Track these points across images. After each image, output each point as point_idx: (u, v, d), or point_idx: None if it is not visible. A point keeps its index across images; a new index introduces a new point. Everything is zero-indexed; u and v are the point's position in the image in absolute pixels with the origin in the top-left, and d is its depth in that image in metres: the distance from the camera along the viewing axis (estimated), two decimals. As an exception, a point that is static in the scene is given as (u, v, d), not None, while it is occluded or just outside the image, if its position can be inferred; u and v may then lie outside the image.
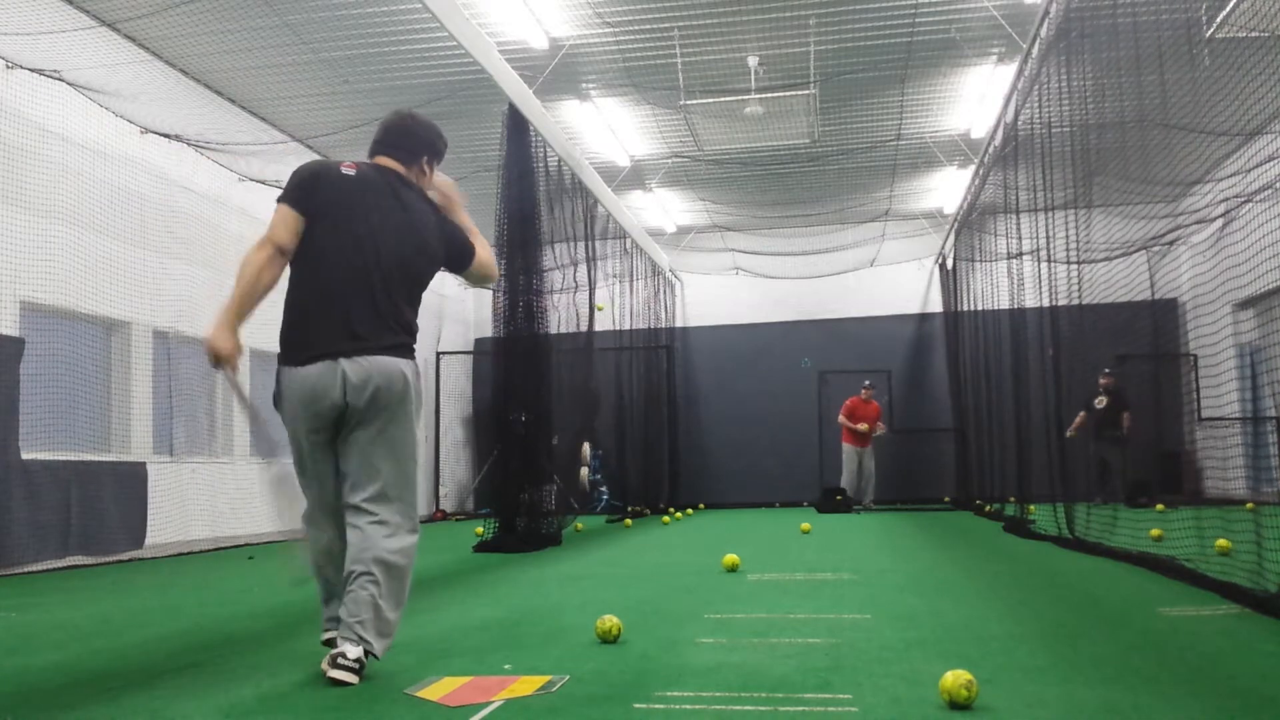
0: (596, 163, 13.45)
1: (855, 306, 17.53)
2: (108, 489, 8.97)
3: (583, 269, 11.63)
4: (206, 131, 10.54)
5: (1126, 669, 3.14)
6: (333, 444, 3.43)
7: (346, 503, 3.39)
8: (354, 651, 3.16)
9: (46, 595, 6.16)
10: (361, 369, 3.33)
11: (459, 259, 3.73)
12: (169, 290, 10.34)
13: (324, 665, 3.19)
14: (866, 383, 15.13)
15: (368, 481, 3.36)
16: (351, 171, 3.52)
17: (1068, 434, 9.74)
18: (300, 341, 3.38)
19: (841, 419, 15.04)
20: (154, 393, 10.34)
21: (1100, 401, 13.31)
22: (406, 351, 3.49)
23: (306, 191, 3.44)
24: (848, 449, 14.92)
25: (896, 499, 16.05)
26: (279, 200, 3.43)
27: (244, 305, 3.28)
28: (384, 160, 3.63)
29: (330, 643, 3.47)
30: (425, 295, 3.63)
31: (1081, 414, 12.74)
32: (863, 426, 14.71)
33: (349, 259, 3.41)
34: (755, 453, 17.25)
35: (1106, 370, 13.39)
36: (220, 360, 3.29)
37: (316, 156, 12.64)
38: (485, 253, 3.80)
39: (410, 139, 3.66)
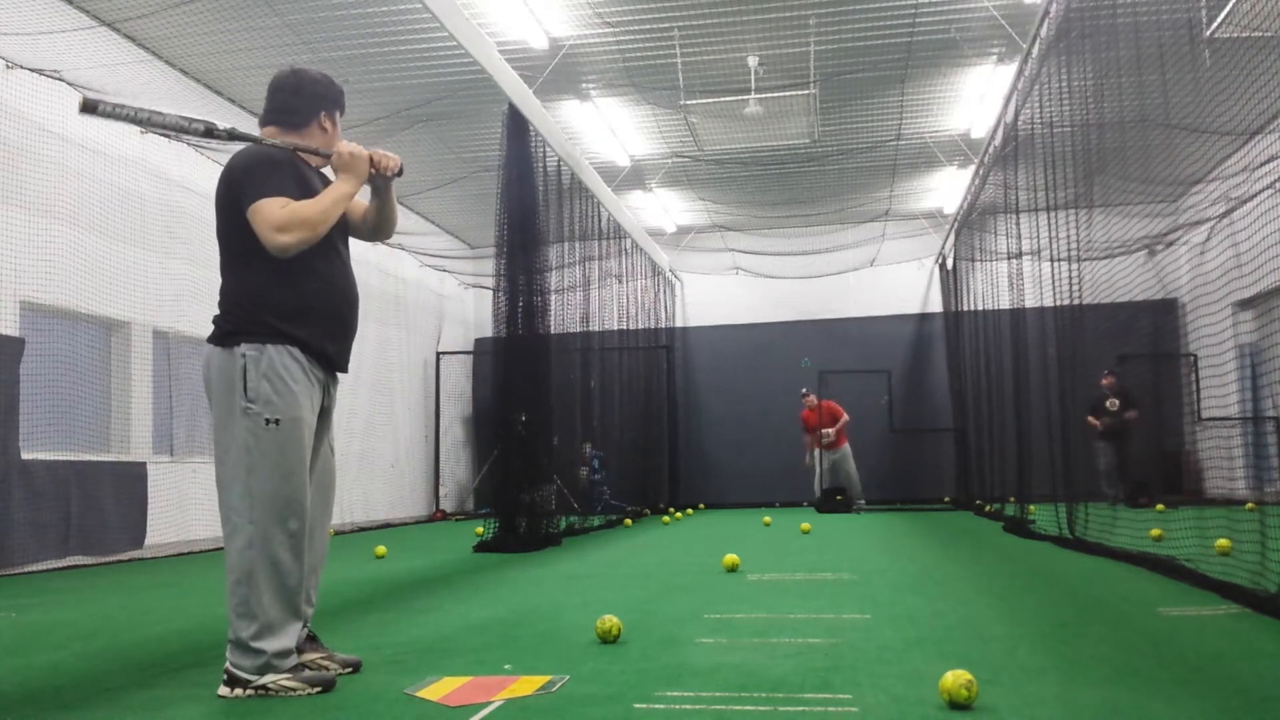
0: (596, 163, 13.45)
1: (855, 306, 17.52)
2: (108, 489, 8.96)
3: (582, 269, 11.64)
4: (206, 131, 10.53)
5: (1126, 669, 3.14)
6: None
7: None
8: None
9: (46, 595, 6.15)
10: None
11: (235, 200, 3.20)
12: (169, 290, 10.34)
13: None
14: (804, 391, 15.18)
15: None
16: None
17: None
18: None
19: (806, 438, 15.14)
20: (154, 393, 10.34)
21: (1113, 404, 13.40)
22: (218, 335, 3.17)
23: None
24: (815, 451, 14.98)
25: (896, 499, 16.04)
26: None
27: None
28: (264, 132, 3.37)
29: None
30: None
31: (1091, 419, 12.85)
32: (827, 434, 14.71)
33: None
34: (755, 453, 17.24)
35: (1107, 370, 13.44)
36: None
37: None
38: (257, 215, 3.11)
39: (296, 98, 3.35)
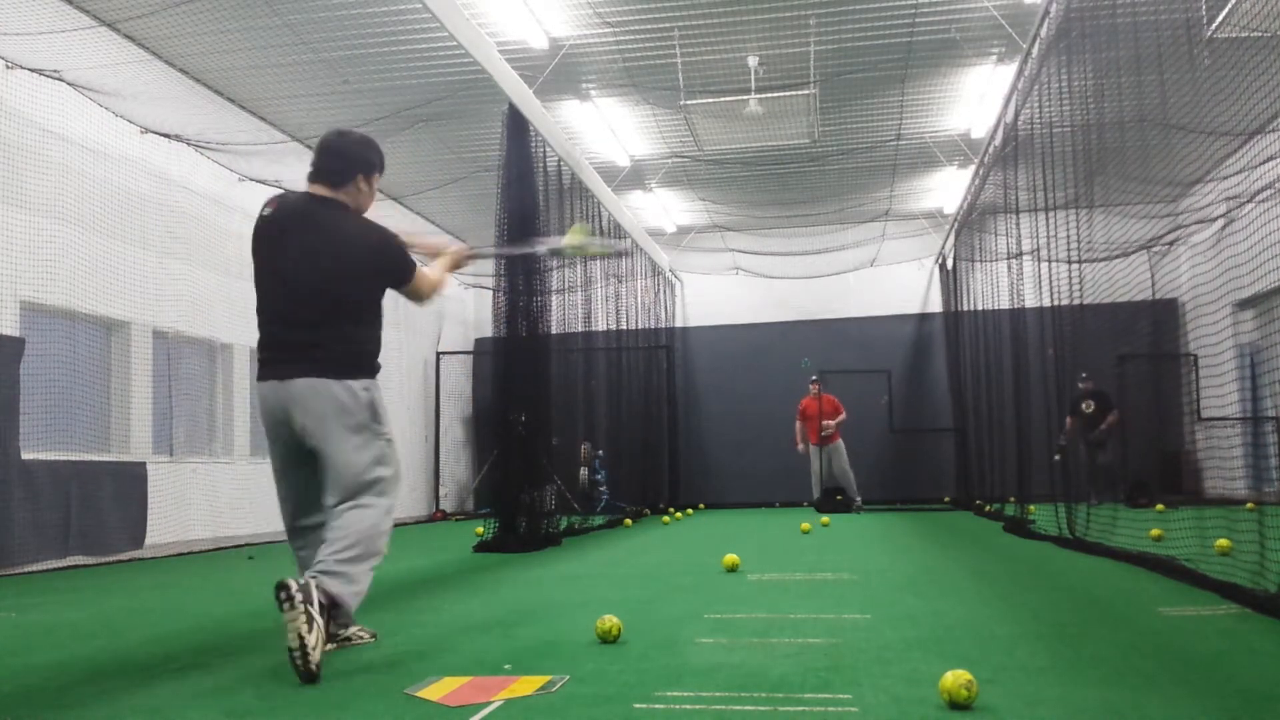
0: (596, 163, 13.44)
1: (855, 306, 17.52)
2: (108, 489, 8.96)
3: (582, 269, 11.64)
4: (206, 131, 10.54)
5: (1126, 669, 3.14)
6: (300, 458, 3.75)
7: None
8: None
9: (46, 595, 6.15)
10: (288, 392, 3.62)
11: (394, 274, 3.82)
12: (169, 290, 10.34)
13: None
14: (814, 378, 15.15)
15: (327, 489, 3.68)
16: (270, 210, 3.78)
17: (1060, 443, 9.75)
18: (260, 361, 3.82)
19: (798, 425, 15.08)
20: (154, 393, 10.34)
21: (1088, 405, 13.43)
22: (332, 369, 3.64)
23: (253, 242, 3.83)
24: (812, 449, 14.89)
25: (896, 499, 16.04)
26: None
27: None
28: (312, 187, 3.82)
29: None
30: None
31: (1070, 419, 12.82)
32: (827, 425, 14.66)
33: (271, 290, 3.74)
34: (755, 453, 17.24)
35: (1084, 375, 13.37)
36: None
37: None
38: (421, 281, 3.90)
39: (338, 160, 3.79)
